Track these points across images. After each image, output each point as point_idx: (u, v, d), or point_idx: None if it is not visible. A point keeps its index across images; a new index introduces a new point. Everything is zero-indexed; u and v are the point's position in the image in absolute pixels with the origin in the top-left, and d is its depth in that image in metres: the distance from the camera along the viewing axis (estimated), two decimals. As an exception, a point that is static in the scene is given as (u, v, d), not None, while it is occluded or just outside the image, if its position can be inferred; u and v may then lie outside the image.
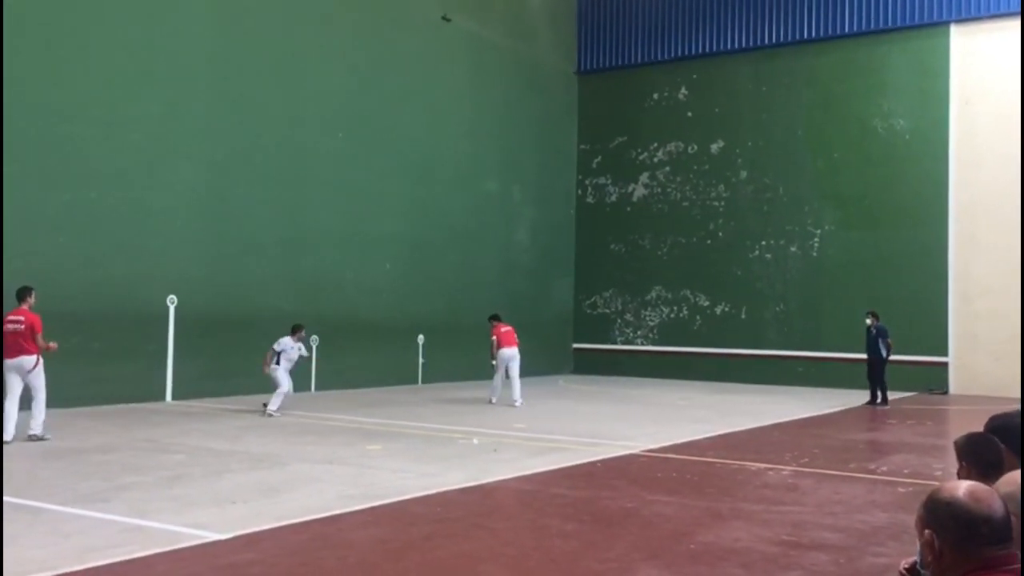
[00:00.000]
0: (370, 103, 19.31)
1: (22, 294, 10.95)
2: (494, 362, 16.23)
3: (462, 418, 13.77)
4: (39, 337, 10.64)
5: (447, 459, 9.67)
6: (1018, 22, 19.86)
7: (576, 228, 25.86)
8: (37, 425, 10.53)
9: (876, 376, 17.44)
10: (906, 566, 2.66)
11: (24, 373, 10.59)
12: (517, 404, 15.50)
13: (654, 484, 8.39)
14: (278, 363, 13.89)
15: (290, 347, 14.01)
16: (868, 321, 17.83)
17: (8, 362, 10.52)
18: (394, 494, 7.60)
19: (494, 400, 16.02)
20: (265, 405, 13.65)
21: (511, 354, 15.98)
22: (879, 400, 17.29)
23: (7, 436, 10.17)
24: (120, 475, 8.36)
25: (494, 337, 16.14)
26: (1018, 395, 15.72)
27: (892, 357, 17.65)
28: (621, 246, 25.22)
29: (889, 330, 17.71)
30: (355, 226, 18.92)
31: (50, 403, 11.74)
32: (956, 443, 3.20)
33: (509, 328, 16.28)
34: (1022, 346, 19.14)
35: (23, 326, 10.63)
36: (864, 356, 18.01)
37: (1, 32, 12.81)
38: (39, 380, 10.64)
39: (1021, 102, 19.82)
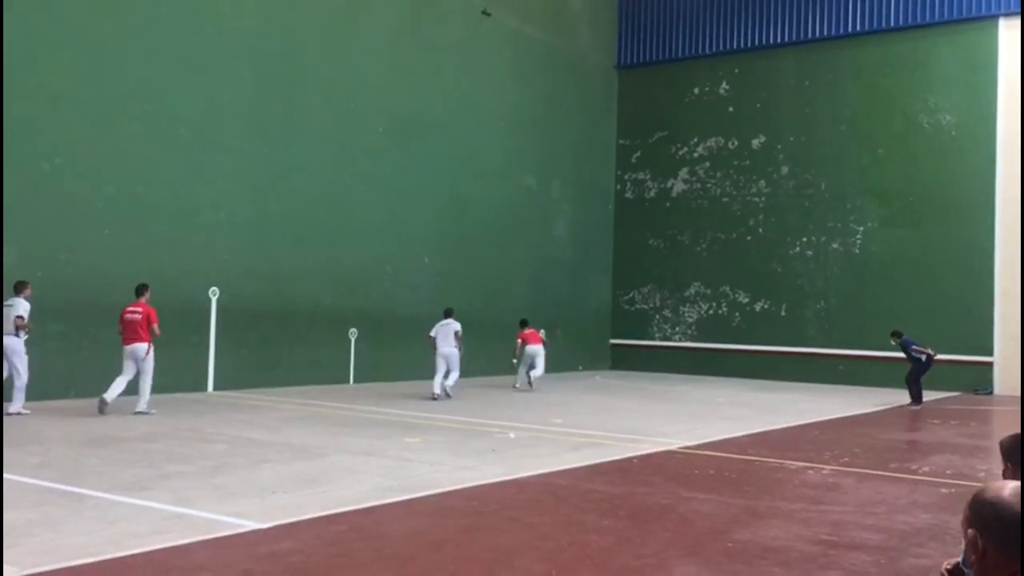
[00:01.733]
0: (410, 97, 19.40)
1: (141, 289, 12.56)
2: (515, 360, 18.42)
3: (499, 412, 13.80)
4: (154, 327, 12.28)
5: (484, 452, 9.70)
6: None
7: (615, 223, 25.76)
8: (143, 403, 12.20)
9: (910, 378, 17.11)
10: (948, 567, 2.63)
11: (138, 358, 12.22)
12: (532, 387, 17.75)
13: (691, 481, 8.35)
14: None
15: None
16: (893, 343, 17.54)
17: (126, 348, 12.28)
18: (431, 487, 7.64)
19: (518, 385, 18.12)
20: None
21: (534, 350, 18.02)
22: (909, 401, 16.98)
23: (108, 397, 11.98)
24: (163, 464, 8.50)
25: (519, 340, 18.10)
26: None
27: (938, 356, 17.34)
28: (660, 242, 25.09)
29: (912, 340, 17.25)
30: (395, 220, 19.03)
31: (98, 393, 12.06)
32: (1001, 443, 3.15)
33: (533, 330, 18.39)
34: (1022, 346, 18.82)
35: (140, 316, 12.28)
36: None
37: (1, 28, 12.99)
38: (149, 365, 12.31)
39: (1022, 101, 19.44)
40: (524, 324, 18.49)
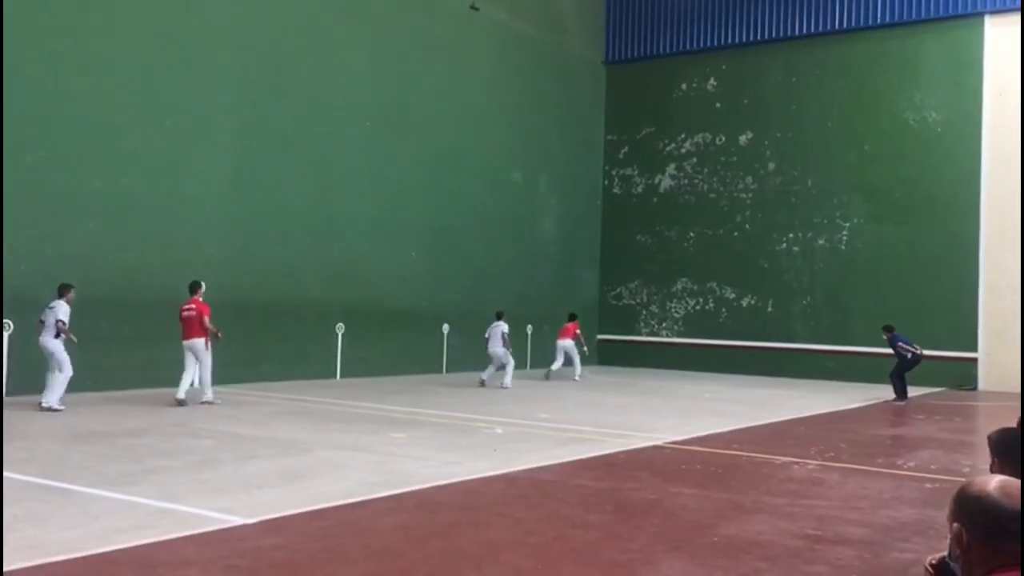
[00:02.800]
0: (397, 92, 19.35)
1: (194, 287, 13.19)
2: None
3: (486, 407, 13.80)
4: (206, 320, 12.91)
5: (471, 448, 9.70)
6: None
7: (602, 219, 25.79)
8: (207, 394, 12.97)
9: (894, 374, 17.18)
10: (932, 562, 2.64)
11: (196, 352, 12.96)
12: (577, 378, 19.56)
13: (677, 476, 8.37)
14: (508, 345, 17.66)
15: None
16: (884, 337, 17.65)
17: (184, 343, 13.06)
18: (418, 482, 7.63)
19: (552, 371, 19.97)
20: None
21: (562, 345, 20.06)
22: (894, 397, 17.07)
23: (180, 394, 12.74)
24: (149, 458, 8.46)
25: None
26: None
27: (925, 352, 17.45)
28: (647, 237, 25.13)
29: (902, 336, 17.35)
30: (382, 214, 18.99)
31: (83, 387, 12.06)
32: (989, 437, 3.17)
33: (567, 325, 20.36)
34: (1022, 345, 18.98)
35: (194, 313, 12.95)
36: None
37: (1, 24, 12.89)
38: (207, 358, 13.03)
39: (1021, 101, 19.57)
40: (571, 318, 20.52)
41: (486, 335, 17.94)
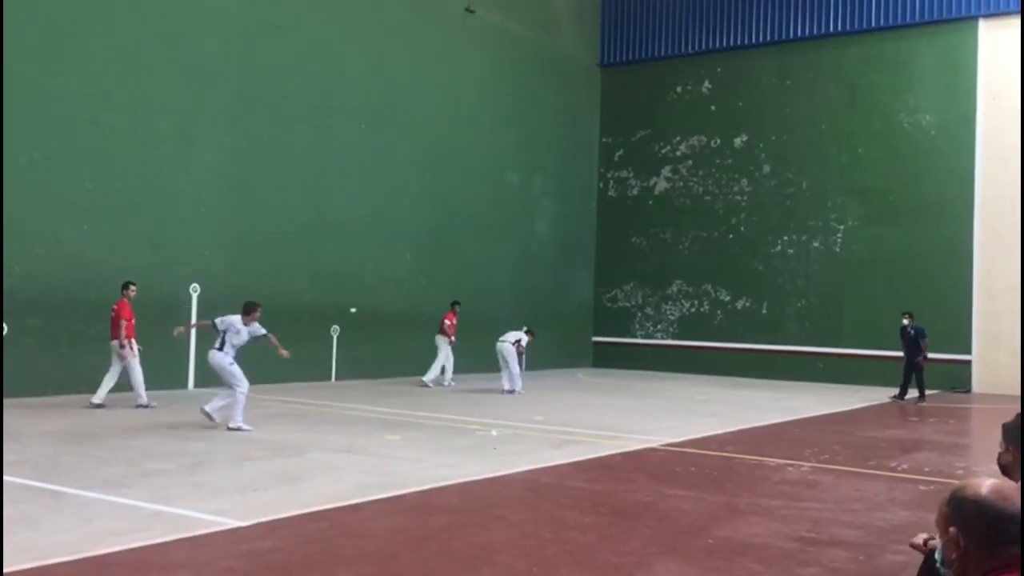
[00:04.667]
0: (392, 94, 19.34)
1: (123, 287, 12.80)
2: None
3: (481, 409, 13.80)
4: (122, 325, 12.46)
5: (466, 450, 9.69)
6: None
7: (597, 221, 25.80)
8: (142, 398, 12.56)
9: (916, 374, 17.42)
10: (926, 540, 2.65)
11: (117, 355, 12.53)
12: (447, 383, 17.92)
13: (672, 478, 8.37)
14: None
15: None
16: (904, 321, 17.79)
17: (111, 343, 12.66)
18: (413, 484, 7.63)
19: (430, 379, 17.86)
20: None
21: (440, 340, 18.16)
22: (916, 396, 17.32)
23: (95, 399, 12.29)
24: (143, 461, 8.44)
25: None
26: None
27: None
28: (642, 239, 25.15)
29: (925, 330, 17.74)
30: (376, 216, 18.97)
31: (76, 388, 12.02)
32: (1004, 426, 3.18)
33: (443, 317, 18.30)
34: (1022, 345, 19.04)
35: (114, 315, 12.60)
36: (898, 354, 18.26)
37: (1, 25, 12.86)
38: (133, 361, 12.59)
39: (1021, 101, 19.64)
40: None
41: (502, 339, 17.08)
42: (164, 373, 14.93)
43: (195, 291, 15.56)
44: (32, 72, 13.48)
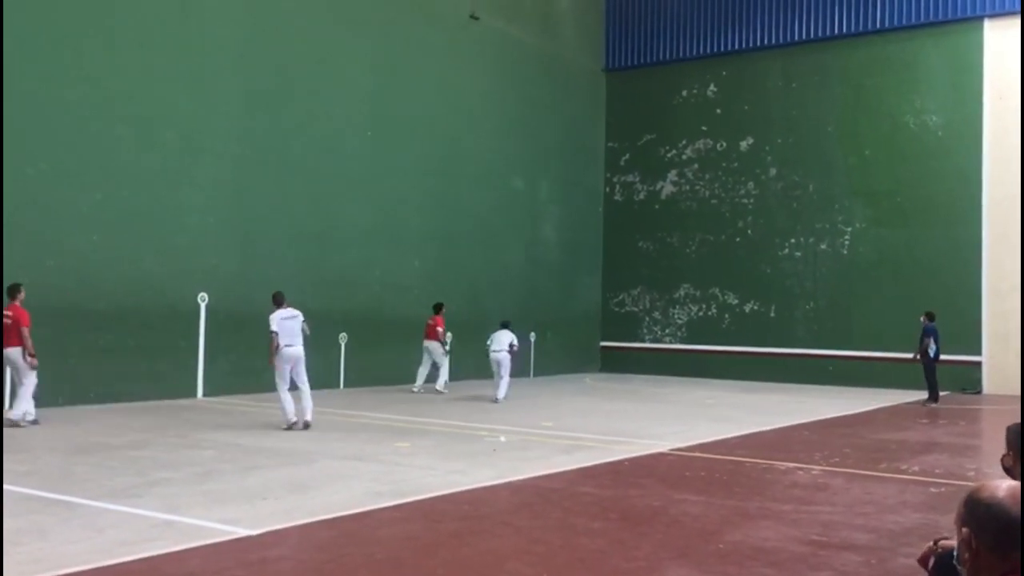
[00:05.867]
0: (398, 101, 19.38)
1: (12, 290, 11.71)
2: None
3: (489, 415, 13.78)
4: (24, 331, 11.45)
5: (475, 456, 9.68)
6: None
7: (604, 225, 25.79)
8: (18, 410, 11.32)
9: (928, 375, 17.43)
10: (940, 541, 2.64)
11: (14, 364, 11.55)
12: (440, 388, 17.61)
13: (682, 483, 8.35)
14: None
15: None
16: (922, 319, 17.78)
17: (5, 351, 11.51)
18: (422, 491, 7.62)
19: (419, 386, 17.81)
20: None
21: (427, 347, 17.95)
22: (925, 396, 17.41)
23: (11, 414, 11.34)
24: (152, 470, 8.45)
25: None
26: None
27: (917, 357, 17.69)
28: (649, 244, 25.13)
29: (936, 332, 17.65)
30: (382, 223, 19.00)
31: (85, 399, 12.00)
32: (1008, 429, 3.17)
33: (430, 321, 17.91)
34: (1022, 345, 18.95)
35: (11, 321, 11.46)
36: (909, 355, 18.33)
37: (1, 30, 12.90)
38: (29, 371, 11.48)
39: (1021, 102, 19.58)
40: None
41: (489, 342, 16.93)
42: (173, 382, 14.98)
43: (203, 300, 15.60)
44: (39, 83, 13.54)
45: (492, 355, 16.58)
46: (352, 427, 12.08)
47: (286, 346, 11.73)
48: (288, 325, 11.81)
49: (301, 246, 17.35)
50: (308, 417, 11.69)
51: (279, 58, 17.04)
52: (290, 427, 11.58)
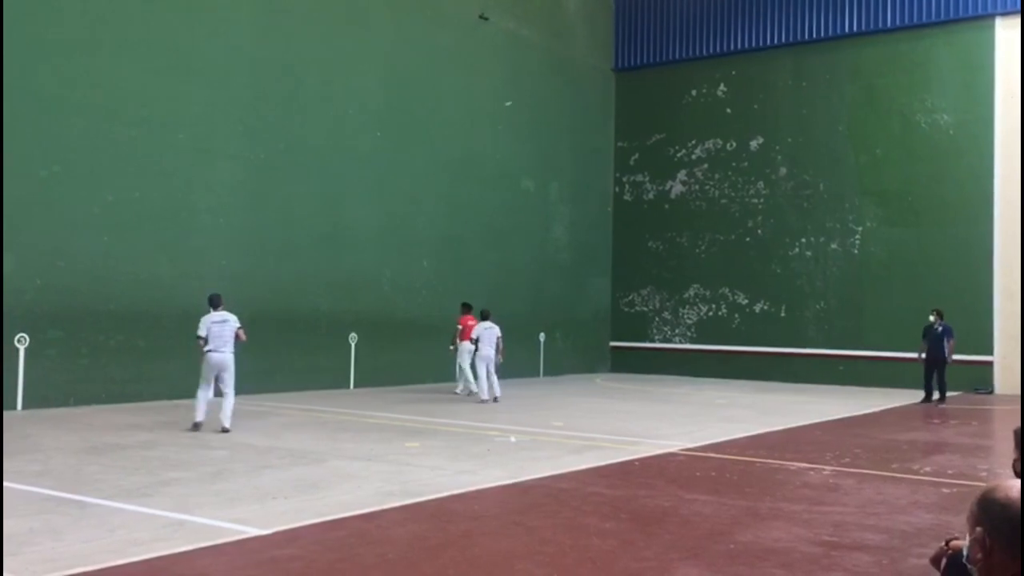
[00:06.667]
0: (407, 102, 19.41)
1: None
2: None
3: (499, 415, 13.79)
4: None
5: (484, 456, 9.69)
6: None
7: (613, 226, 25.77)
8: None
9: (939, 375, 17.28)
10: (952, 542, 2.63)
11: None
12: (458, 391, 17.25)
13: (692, 483, 8.34)
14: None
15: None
16: (932, 318, 17.65)
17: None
18: (432, 491, 7.63)
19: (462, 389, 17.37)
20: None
21: (465, 348, 17.18)
22: (937, 398, 17.18)
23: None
24: (163, 470, 8.49)
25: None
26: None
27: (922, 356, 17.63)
28: (659, 244, 25.09)
29: (954, 330, 17.60)
30: (393, 224, 19.04)
31: (96, 399, 12.02)
32: (1016, 431, 3.16)
33: (468, 321, 17.23)
34: (1022, 346, 18.83)
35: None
36: (913, 355, 18.11)
37: (1, 31, 12.95)
38: None
39: (1021, 102, 19.46)
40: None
41: (474, 335, 16.25)
42: (184, 383, 15.01)
43: (214, 301, 15.63)
44: (50, 86, 13.62)
45: (483, 354, 16.06)
46: (362, 427, 12.10)
47: (211, 351, 11.27)
48: (217, 329, 11.32)
49: (312, 247, 17.40)
50: (226, 424, 11.14)
51: (289, 61, 17.08)
52: (195, 427, 11.18)
